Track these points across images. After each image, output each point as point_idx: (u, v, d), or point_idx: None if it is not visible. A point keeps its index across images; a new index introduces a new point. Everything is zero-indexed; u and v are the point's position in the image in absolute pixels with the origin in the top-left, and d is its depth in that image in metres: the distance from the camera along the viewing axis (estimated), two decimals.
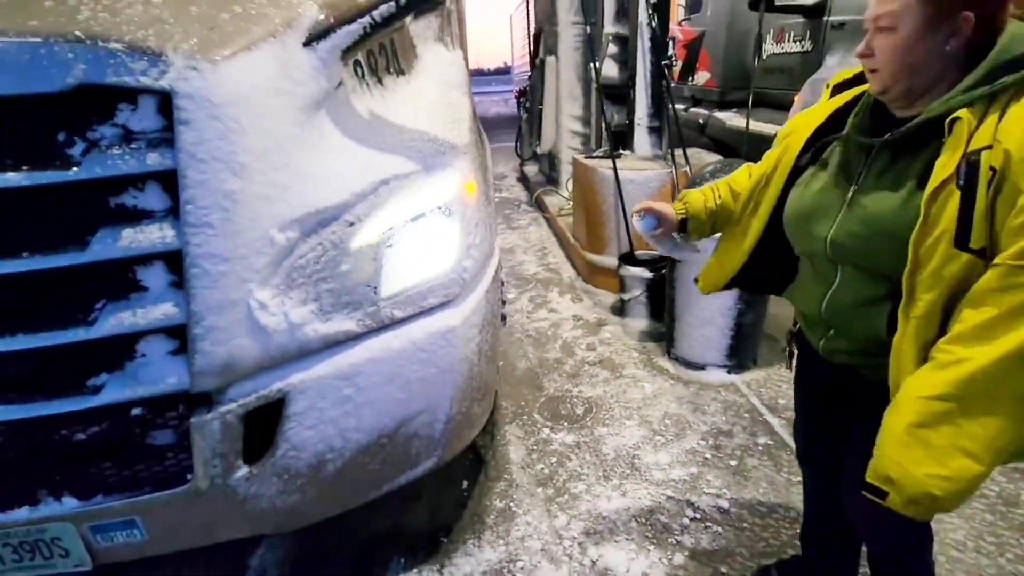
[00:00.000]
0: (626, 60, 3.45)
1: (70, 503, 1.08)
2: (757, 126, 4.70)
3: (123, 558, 1.19)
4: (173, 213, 1.00)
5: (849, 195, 0.91)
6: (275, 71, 1.06)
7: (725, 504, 1.65)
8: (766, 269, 1.15)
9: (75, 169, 0.92)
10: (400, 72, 1.54)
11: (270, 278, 1.07)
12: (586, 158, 3.42)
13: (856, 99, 0.99)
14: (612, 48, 3.46)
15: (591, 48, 4.26)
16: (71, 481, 1.09)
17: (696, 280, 1.28)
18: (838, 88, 1.05)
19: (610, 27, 3.49)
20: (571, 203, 4.07)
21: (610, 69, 3.57)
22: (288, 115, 1.08)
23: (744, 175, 1.22)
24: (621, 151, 3.30)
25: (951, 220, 0.76)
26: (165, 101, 0.96)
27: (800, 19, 4.05)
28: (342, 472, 1.24)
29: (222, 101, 0.97)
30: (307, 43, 1.13)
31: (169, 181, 0.99)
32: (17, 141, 0.93)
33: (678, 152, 2.91)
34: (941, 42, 0.80)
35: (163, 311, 1.01)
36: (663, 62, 2.96)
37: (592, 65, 3.85)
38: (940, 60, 0.81)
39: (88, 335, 0.98)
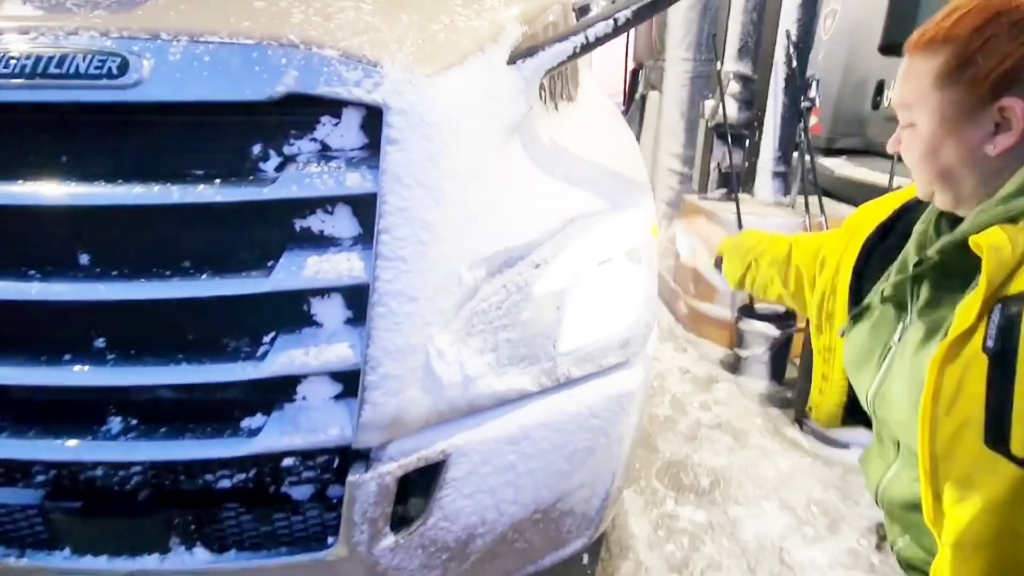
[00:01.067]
0: (747, 100, 3.25)
1: (203, 556, 0.96)
2: (870, 176, 4.38)
3: None
4: (360, 241, 0.88)
5: (896, 336, 0.65)
6: (482, 89, 0.94)
7: None
8: None
9: (271, 186, 0.81)
10: (570, 98, 1.41)
11: (451, 322, 0.93)
12: (699, 199, 3.21)
13: None
14: (734, 87, 3.28)
15: (702, 86, 4.09)
16: (205, 532, 0.97)
17: (809, 409, 0.92)
18: None
19: (732, 65, 3.31)
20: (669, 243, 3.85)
21: (728, 108, 3.39)
22: (489, 139, 0.95)
23: (783, 245, 0.97)
24: (737, 194, 3.08)
25: (975, 403, 0.51)
26: (370, 116, 0.85)
27: None
28: (489, 549, 1.07)
29: (435, 120, 0.85)
30: (511, 61, 1.00)
31: (362, 205, 0.87)
32: (210, 152, 0.84)
33: (812, 200, 2.67)
34: (978, 141, 0.56)
35: (337, 352, 0.88)
36: (803, 104, 2.75)
37: (704, 103, 3.68)
38: (982, 165, 0.57)
39: (256, 372, 0.85)
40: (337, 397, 0.92)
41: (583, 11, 1.78)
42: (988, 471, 0.50)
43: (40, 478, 0.93)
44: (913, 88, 0.60)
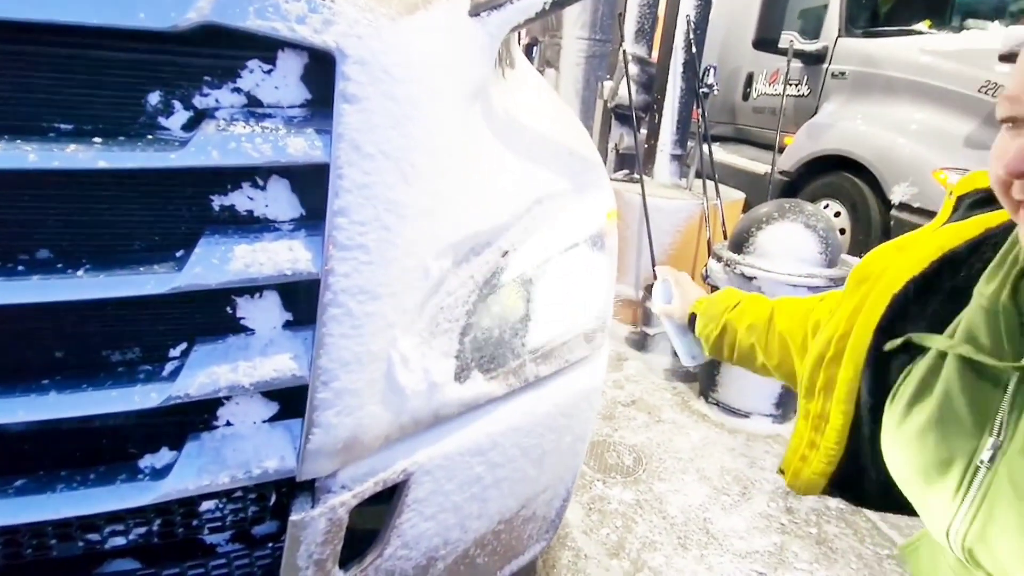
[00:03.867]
0: (644, 82, 3.33)
1: None
2: (741, 162, 4.78)
3: None
4: (303, 225, 0.69)
5: (985, 455, 0.47)
6: (448, 42, 0.78)
7: None
8: (870, 477, 0.65)
9: (181, 150, 0.60)
10: (512, 65, 1.28)
11: (415, 322, 0.78)
12: None
13: (989, 240, 0.55)
14: (632, 69, 3.34)
15: (597, 65, 4.14)
16: None
17: (780, 471, 0.77)
18: (970, 203, 0.60)
19: (630, 47, 3.36)
20: None
21: (624, 89, 3.45)
22: (456, 103, 0.80)
23: (763, 308, 0.85)
24: (638, 175, 3.17)
25: None
26: (315, 64, 0.66)
27: (799, 64, 4.14)
28: (451, 570, 0.96)
29: (402, 75, 0.69)
30: (474, 12, 0.85)
31: (305, 179, 0.68)
32: (98, 101, 0.60)
33: (709, 184, 2.81)
34: None
35: (276, 365, 0.69)
36: (702, 90, 2.86)
37: (602, 83, 3.72)
38: None
39: (164, 397, 0.64)
40: (272, 419, 0.74)
41: None
42: None
43: None
44: None
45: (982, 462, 0.47)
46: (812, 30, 4.14)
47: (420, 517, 0.87)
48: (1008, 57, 2.82)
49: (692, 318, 0.97)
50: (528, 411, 0.95)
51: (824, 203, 3.78)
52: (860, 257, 0.68)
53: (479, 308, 0.87)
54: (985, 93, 3.04)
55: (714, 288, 2.24)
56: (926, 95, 3.29)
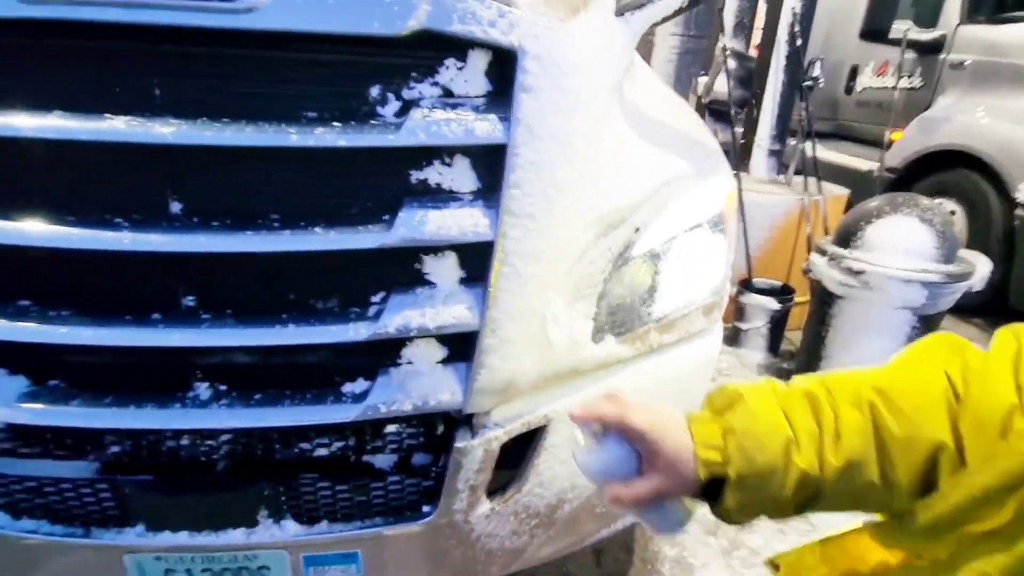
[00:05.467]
0: (743, 77, 3.29)
1: (292, 529, 0.91)
2: (842, 159, 4.56)
3: None
4: (481, 196, 0.82)
5: None
6: (602, 38, 0.89)
7: None
8: None
9: (397, 132, 0.75)
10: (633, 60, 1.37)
11: (564, 285, 0.90)
12: None
13: None
14: (730, 64, 3.31)
15: (690, 62, 4.11)
16: (296, 504, 0.91)
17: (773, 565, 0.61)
18: None
19: (729, 41, 3.33)
20: None
21: (720, 85, 3.42)
22: (605, 93, 0.91)
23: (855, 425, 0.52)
24: (735, 171, 3.14)
25: None
26: (495, 61, 0.79)
27: (911, 54, 3.91)
28: (574, 514, 1.07)
29: (568, 68, 0.80)
30: (619, 12, 0.96)
31: (484, 157, 0.81)
32: (323, 92, 0.76)
33: (810, 180, 2.75)
34: None
35: (455, 314, 0.83)
36: (805, 83, 2.81)
37: (696, 79, 3.70)
38: None
39: (371, 332, 0.80)
40: (445, 361, 0.88)
41: None
42: None
43: (111, 450, 0.85)
44: None
45: None
46: (928, 17, 3.89)
47: (555, 460, 0.98)
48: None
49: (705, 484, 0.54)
50: (652, 374, 1.04)
51: (937, 202, 3.56)
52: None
53: (613, 277, 0.97)
54: None
55: (816, 285, 2.20)
56: None
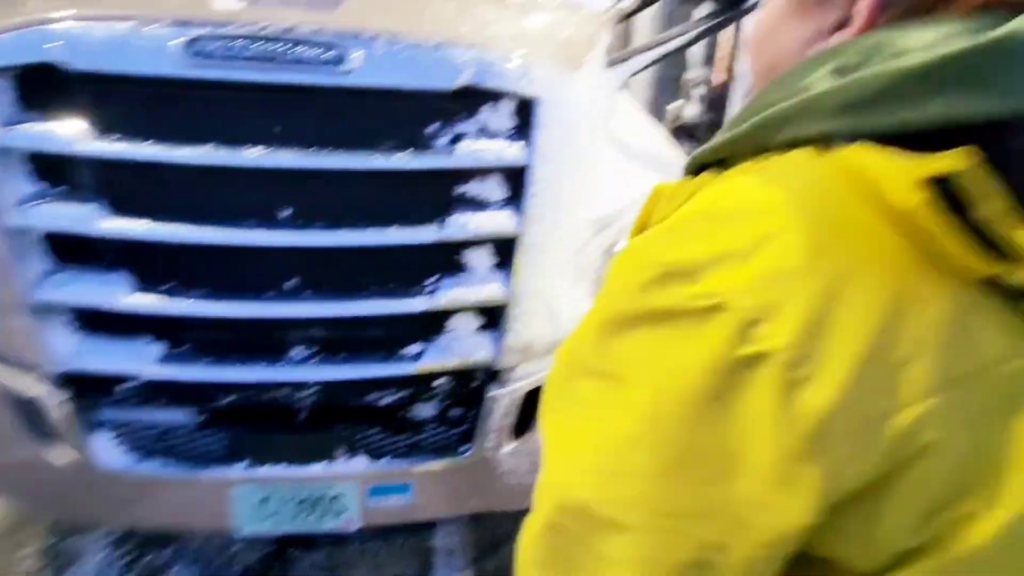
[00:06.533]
0: (711, 103, 3.67)
1: (361, 463, 1.16)
2: None
3: (385, 521, 1.26)
4: (508, 203, 1.11)
5: None
6: (595, 85, 1.19)
7: None
8: None
9: (451, 157, 1.03)
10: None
11: (569, 270, 1.18)
12: None
13: None
14: (698, 91, 3.69)
15: (662, 89, 4.50)
16: (366, 443, 1.17)
17: None
18: None
19: (697, 71, 3.71)
20: None
21: (691, 109, 3.80)
22: (596, 125, 1.21)
23: None
24: None
25: None
26: (522, 105, 1.08)
27: None
28: None
29: (570, 108, 1.10)
30: (609, 64, 1.27)
31: (510, 175, 1.10)
32: (398, 129, 1.04)
33: None
34: (813, 35, 0.39)
35: (490, 291, 1.11)
36: None
37: (668, 106, 4.08)
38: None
39: (429, 305, 1.07)
40: (480, 328, 1.16)
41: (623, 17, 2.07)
42: None
43: (225, 399, 1.10)
44: None
45: None
46: None
47: None
48: None
49: None
50: None
51: None
52: None
53: (604, 266, 1.26)
54: None
55: None
56: None
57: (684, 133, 3.79)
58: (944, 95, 0.30)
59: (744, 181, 0.36)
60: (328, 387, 1.12)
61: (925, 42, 0.33)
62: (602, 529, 0.34)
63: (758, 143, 0.37)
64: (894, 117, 0.31)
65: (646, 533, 0.33)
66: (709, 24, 1.30)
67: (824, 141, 0.33)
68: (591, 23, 1.33)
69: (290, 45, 0.95)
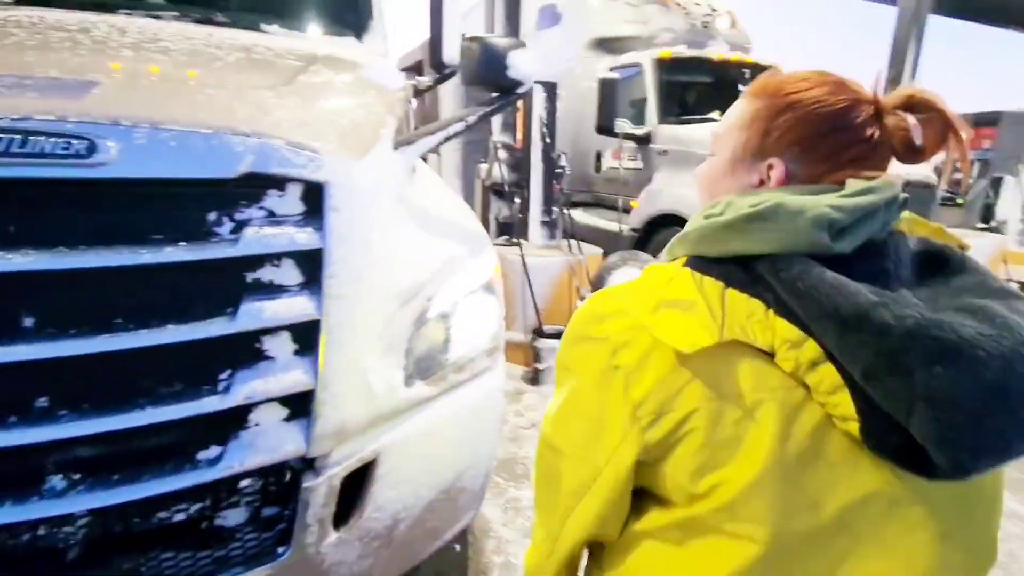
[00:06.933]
0: (514, 164, 4.03)
1: None
2: (600, 222, 5.67)
3: None
4: (306, 287, 1.10)
5: None
6: (384, 168, 1.26)
7: None
8: None
9: (234, 246, 1.00)
10: (414, 169, 1.78)
11: (377, 345, 1.20)
12: None
13: None
14: (503, 154, 4.03)
15: (472, 151, 4.83)
16: (161, 570, 1.02)
17: None
18: None
19: (499, 136, 4.06)
20: None
21: (499, 170, 4.12)
22: (390, 204, 1.27)
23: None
24: (517, 240, 3.78)
25: None
26: (308, 189, 1.09)
27: (633, 144, 5.14)
28: (410, 530, 1.32)
29: (362, 191, 1.14)
30: (396, 147, 1.34)
31: (306, 258, 1.09)
32: (170, 220, 0.98)
33: (574, 243, 3.47)
34: (746, 186, 0.65)
35: (293, 378, 1.07)
36: (556, 170, 3.58)
37: (479, 166, 4.38)
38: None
39: (223, 403, 1.00)
40: (287, 419, 1.10)
41: (417, 94, 2.19)
42: None
43: None
44: (726, 122, 0.67)
45: None
46: (639, 118, 5.19)
47: (387, 486, 1.24)
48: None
49: None
50: (453, 406, 1.37)
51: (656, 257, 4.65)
52: None
53: (416, 335, 1.30)
54: None
55: None
56: None
57: (493, 191, 4.08)
58: (738, 239, 0.57)
59: (638, 275, 0.66)
60: (104, 514, 0.96)
61: (800, 202, 0.56)
62: (553, 453, 0.66)
63: (672, 253, 0.66)
64: (715, 248, 0.60)
65: (569, 458, 0.64)
66: (488, 109, 1.46)
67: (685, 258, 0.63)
68: (380, 104, 1.41)
69: (25, 136, 0.85)
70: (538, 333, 3.24)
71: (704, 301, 0.56)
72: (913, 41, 7.60)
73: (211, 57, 1.36)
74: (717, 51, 5.38)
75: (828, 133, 0.60)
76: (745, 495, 0.54)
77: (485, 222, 4.38)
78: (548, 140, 3.58)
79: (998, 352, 0.46)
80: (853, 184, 0.57)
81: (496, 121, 4.11)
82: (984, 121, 9.39)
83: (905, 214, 0.62)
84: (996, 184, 6.95)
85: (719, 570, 0.55)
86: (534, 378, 3.27)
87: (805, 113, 0.61)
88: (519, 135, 4.18)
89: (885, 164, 0.61)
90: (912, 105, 0.60)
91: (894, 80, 7.33)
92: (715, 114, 4.95)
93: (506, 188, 3.85)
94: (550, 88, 3.67)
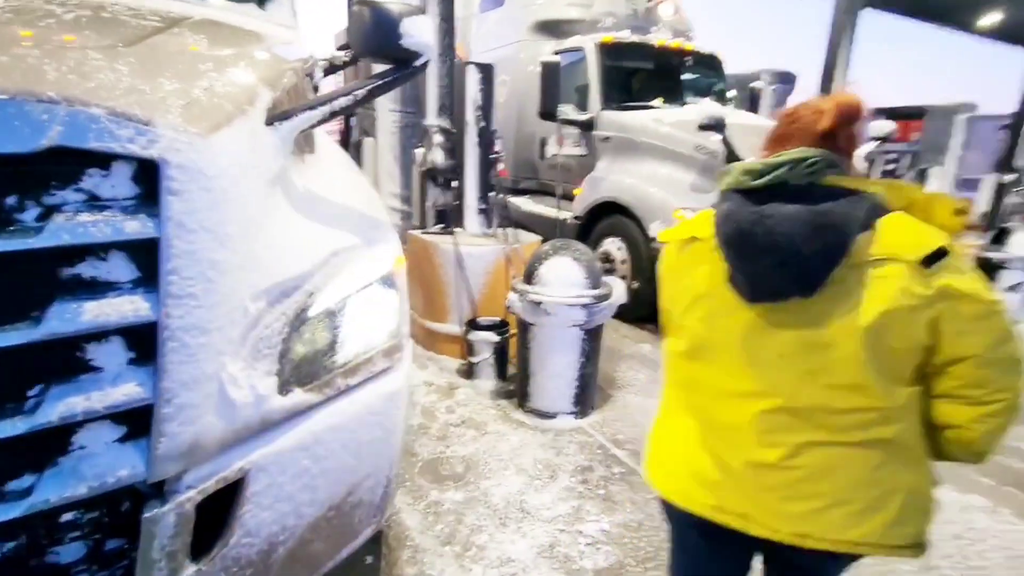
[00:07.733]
0: (451, 149, 3.86)
1: None
2: (542, 209, 5.58)
3: None
4: (142, 284, 0.93)
5: None
6: (248, 146, 1.09)
7: (606, 526, 1.94)
8: None
9: (37, 236, 0.82)
10: (312, 150, 1.61)
11: (240, 350, 1.04)
12: (422, 233, 3.65)
13: None
14: (438, 138, 3.85)
15: (410, 134, 4.63)
16: None
17: None
18: None
19: (434, 120, 3.88)
20: None
21: (435, 155, 3.95)
22: (258, 188, 1.10)
23: None
24: (452, 228, 3.63)
25: None
26: (143, 169, 0.93)
27: (576, 131, 5.05)
28: (290, 554, 1.18)
29: (213, 173, 0.98)
30: (269, 122, 1.18)
31: (139, 250, 0.93)
32: None
33: (510, 231, 3.35)
34: None
35: (124, 392, 0.91)
36: (490, 156, 3.44)
37: (415, 151, 4.19)
38: None
39: (31, 424, 0.83)
40: (122, 439, 0.94)
41: (331, 69, 2.00)
42: None
43: None
44: None
45: None
46: (582, 103, 5.10)
47: (259, 508, 1.09)
48: (705, 127, 3.84)
49: None
50: (343, 413, 1.23)
51: (610, 239, 4.61)
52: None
53: (293, 337, 1.15)
54: (697, 152, 4.09)
55: (517, 317, 2.71)
56: (663, 154, 4.29)
57: (429, 177, 3.91)
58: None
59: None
60: None
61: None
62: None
63: None
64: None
65: None
66: (380, 83, 1.31)
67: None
68: (253, 74, 1.23)
69: None
70: (472, 325, 3.11)
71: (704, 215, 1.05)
72: (847, 34, 7.81)
73: (45, 14, 1.15)
74: (660, 37, 5.34)
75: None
76: (682, 313, 1.07)
77: (423, 210, 4.20)
78: (483, 124, 3.44)
79: (763, 231, 0.91)
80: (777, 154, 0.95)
81: (431, 104, 3.93)
82: (912, 114, 9.83)
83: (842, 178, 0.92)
84: (922, 175, 7.27)
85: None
86: (468, 371, 3.15)
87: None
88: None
89: (800, 145, 0.95)
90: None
91: (828, 70, 7.53)
92: (657, 101, 4.92)
93: (439, 174, 3.68)
94: (486, 70, 3.51)
